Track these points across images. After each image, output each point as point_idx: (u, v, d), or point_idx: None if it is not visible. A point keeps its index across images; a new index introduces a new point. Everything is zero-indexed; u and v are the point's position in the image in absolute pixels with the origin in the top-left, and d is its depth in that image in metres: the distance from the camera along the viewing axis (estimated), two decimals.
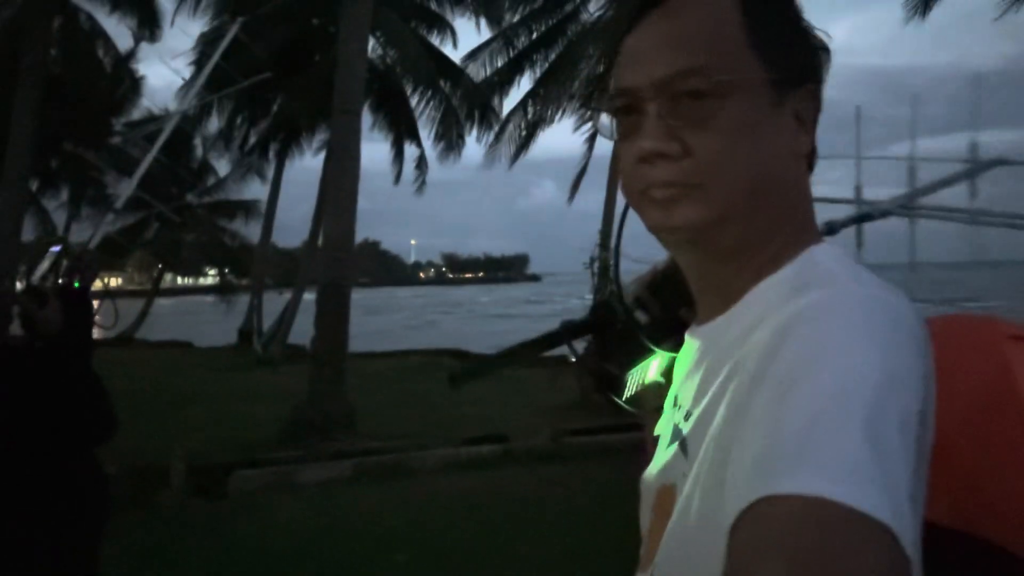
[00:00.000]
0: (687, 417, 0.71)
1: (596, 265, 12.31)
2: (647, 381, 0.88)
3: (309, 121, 18.80)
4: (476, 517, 5.60)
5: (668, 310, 0.86)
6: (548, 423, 8.22)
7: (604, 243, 12.19)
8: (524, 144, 16.60)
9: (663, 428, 0.80)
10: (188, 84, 14.43)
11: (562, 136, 17.78)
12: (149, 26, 17.19)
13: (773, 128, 0.69)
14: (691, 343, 0.77)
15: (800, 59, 0.71)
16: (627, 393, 0.87)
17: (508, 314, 47.63)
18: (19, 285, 2.45)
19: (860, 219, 2.73)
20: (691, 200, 0.67)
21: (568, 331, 0.97)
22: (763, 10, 0.70)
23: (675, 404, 0.77)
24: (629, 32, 0.72)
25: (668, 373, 0.85)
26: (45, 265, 2.53)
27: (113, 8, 16.90)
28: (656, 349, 0.86)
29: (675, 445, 0.72)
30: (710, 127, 0.66)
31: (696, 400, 0.70)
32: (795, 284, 0.66)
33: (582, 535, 5.11)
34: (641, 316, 0.89)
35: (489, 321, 41.57)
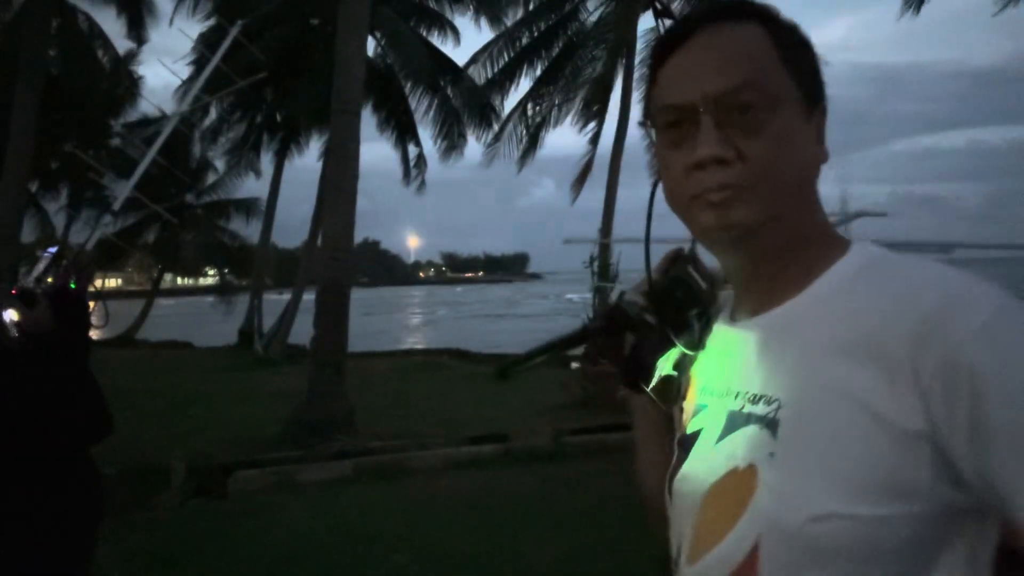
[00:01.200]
0: (760, 400, 0.78)
1: (595, 264, 12.34)
2: (665, 373, 0.94)
3: (308, 122, 18.78)
4: (477, 517, 5.59)
5: (678, 311, 0.94)
6: (549, 423, 8.20)
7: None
8: (530, 146, 16.57)
9: (709, 420, 0.85)
10: (186, 85, 14.43)
11: (562, 134, 17.77)
12: (137, 29, 17.18)
13: (806, 138, 0.79)
14: (741, 334, 0.84)
15: (817, 79, 0.82)
16: (654, 381, 0.93)
17: (506, 314, 47.79)
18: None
19: None
20: (745, 201, 0.76)
21: (590, 332, 1.06)
22: (787, 37, 0.81)
23: (727, 392, 0.84)
24: (672, 54, 0.81)
25: (678, 366, 0.93)
26: (40, 267, 2.52)
27: (109, 7, 16.93)
28: (677, 343, 0.92)
29: (750, 427, 0.78)
30: (761, 135, 0.76)
31: (780, 383, 0.77)
32: (881, 271, 0.75)
33: (583, 535, 5.10)
34: (649, 319, 0.98)
35: (480, 321, 41.69)
